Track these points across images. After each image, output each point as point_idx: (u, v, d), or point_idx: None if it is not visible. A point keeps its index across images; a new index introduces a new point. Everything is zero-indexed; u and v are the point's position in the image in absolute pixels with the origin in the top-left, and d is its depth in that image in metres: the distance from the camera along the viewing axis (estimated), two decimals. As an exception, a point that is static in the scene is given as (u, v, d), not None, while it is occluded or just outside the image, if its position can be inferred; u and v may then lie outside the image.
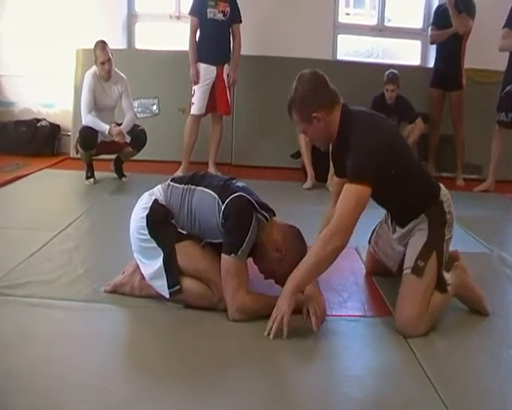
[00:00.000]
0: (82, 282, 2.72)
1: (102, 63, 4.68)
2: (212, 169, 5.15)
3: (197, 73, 5.17)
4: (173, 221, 2.49)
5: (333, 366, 2.14)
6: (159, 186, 2.60)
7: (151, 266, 2.48)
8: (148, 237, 2.46)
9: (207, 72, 5.18)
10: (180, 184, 2.56)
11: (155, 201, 2.52)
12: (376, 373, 2.09)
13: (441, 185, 2.54)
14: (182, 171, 5.00)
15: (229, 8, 5.16)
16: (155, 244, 2.45)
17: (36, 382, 1.89)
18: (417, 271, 2.38)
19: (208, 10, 5.10)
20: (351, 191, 2.24)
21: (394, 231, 2.64)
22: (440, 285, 2.42)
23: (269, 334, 2.22)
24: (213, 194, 2.45)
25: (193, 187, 2.52)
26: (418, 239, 2.46)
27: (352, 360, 2.15)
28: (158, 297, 2.51)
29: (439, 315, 2.43)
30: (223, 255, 2.37)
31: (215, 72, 5.21)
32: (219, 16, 5.14)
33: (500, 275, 3.17)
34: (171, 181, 2.60)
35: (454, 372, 2.11)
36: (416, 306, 2.33)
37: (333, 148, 2.58)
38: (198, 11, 5.13)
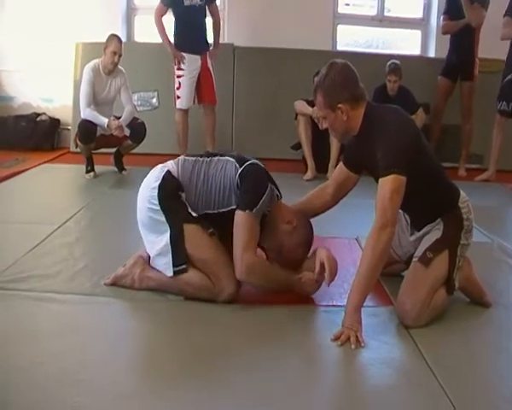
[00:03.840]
0: (83, 275, 2.72)
1: (114, 53, 4.68)
2: None
3: (179, 54, 5.10)
4: (183, 199, 2.49)
5: (334, 356, 2.14)
6: (171, 161, 2.62)
7: (157, 240, 2.48)
8: (158, 207, 2.46)
9: (192, 62, 5.14)
10: (195, 157, 2.60)
11: (168, 172, 2.53)
12: (378, 364, 2.08)
13: (461, 192, 2.52)
14: None
15: None
16: (164, 218, 2.45)
17: (38, 376, 1.89)
18: (424, 260, 2.38)
19: None
20: (387, 184, 2.24)
21: (412, 234, 2.63)
22: (449, 286, 2.40)
23: (336, 339, 2.20)
24: (231, 159, 2.51)
25: (208, 159, 2.56)
26: (432, 236, 2.46)
27: (354, 350, 2.14)
28: (158, 290, 2.52)
29: (441, 311, 2.42)
30: (237, 211, 2.39)
31: (200, 61, 5.17)
32: (196, 1, 5.05)
33: (501, 264, 3.16)
34: (184, 157, 2.64)
35: (455, 362, 2.11)
36: (417, 296, 2.32)
37: (349, 141, 2.56)
38: (171, 0, 5.05)
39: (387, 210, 2.23)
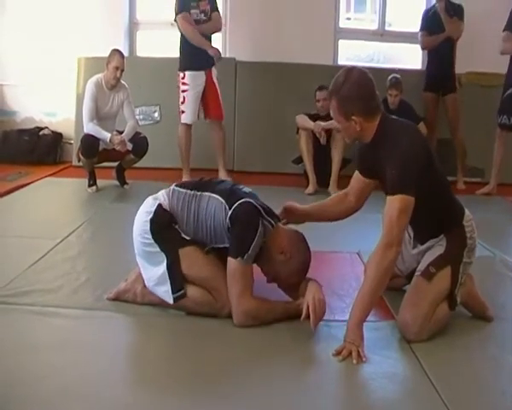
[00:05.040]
0: (84, 290, 2.72)
1: (116, 68, 4.71)
2: (222, 174, 5.15)
3: (217, 50, 5.13)
4: (177, 226, 2.49)
5: (336, 371, 2.14)
6: (163, 191, 2.60)
7: (154, 271, 2.48)
8: (152, 241, 2.46)
9: (196, 78, 5.15)
10: (185, 189, 2.56)
11: (159, 205, 2.51)
12: (380, 378, 2.08)
13: (466, 211, 2.52)
14: (185, 179, 4.96)
15: (208, 6, 5.14)
16: (158, 249, 2.45)
17: (38, 391, 1.89)
18: (427, 275, 2.38)
19: (192, 11, 5.07)
20: (395, 203, 2.24)
21: (415, 247, 2.63)
22: (450, 302, 2.40)
23: (338, 354, 2.19)
24: (220, 199, 2.45)
25: (199, 193, 2.52)
26: (435, 251, 2.46)
27: (356, 365, 2.14)
28: (160, 304, 2.52)
29: (443, 326, 2.42)
30: (229, 258, 2.37)
31: (204, 76, 5.18)
32: (201, 16, 5.11)
33: (503, 278, 3.16)
34: (175, 186, 2.60)
35: (457, 377, 2.10)
36: (419, 311, 2.32)
37: (362, 148, 2.55)
38: (185, 10, 5.08)
39: (394, 229, 2.23)
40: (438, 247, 2.46)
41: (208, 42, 5.14)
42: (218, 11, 5.26)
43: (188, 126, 5.24)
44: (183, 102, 5.19)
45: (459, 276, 2.41)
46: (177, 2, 5.12)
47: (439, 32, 5.51)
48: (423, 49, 5.89)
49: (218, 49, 5.16)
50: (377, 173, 2.45)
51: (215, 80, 5.26)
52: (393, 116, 2.55)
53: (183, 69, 5.18)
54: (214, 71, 5.27)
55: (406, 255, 2.66)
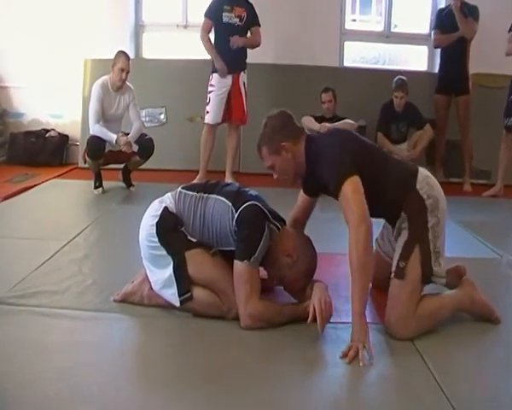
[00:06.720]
0: (91, 291, 2.73)
1: (122, 70, 4.72)
2: (229, 178, 5.15)
3: (224, 68, 5.12)
4: (183, 229, 2.50)
5: (342, 373, 2.13)
6: (169, 194, 2.61)
7: (161, 274, 2.49)
8: (158, 244, 2.47)
9: (222, 81, 5.17)
10: (192, 191, 2.57)
11: (165, 208, 2.52)
12: (386, 380, 2.08)
13: (420, 170, 2.52)
14: (199, 180, 4.95)
15: (245, 13, 5.15)
16: (165, 252, 2.46)
17: (45, 392, 1.90)
18: (399, 273, 2.39)
19: (224, 14, 5.10)
20: (345, 192, 2.30)
21: (393, 235, 2.62)
22: (425, 276, 2.38)
23: (345, 356, 2.19)
24: (227, 201, 2.47)
25: (205, 195, 2.53)
26: (401, 239, 2.46)
27: (362, 367, 2.13)
28: (167, 306, 2.52)
29: (436, 322, 2.42)
30: (235, 261, 2.38)
31: (230, 80, 5.19)
32: (235, 21, 5.13)
33: (509, 280, 3.16)
34: (182, 189, 2.61)
35: (465, 380, 2.10)
36: (400, 309, 2.35)
37: (304, 176, 2.65)
38: (214, 15, 5.12)
39: (353, 208, 2.27)
40: (403, 232, 2.45)
41: (217, 54, 5.12)
42: (258, 25, 5.28)
43: (210, 127, 5.26)
44: (208, 103, 5.22)
45: (430, 244, 2.39)
46: (209, 5, 5.19)
47: (452, 31, 5.48)
48: (435, 47, 5.85)
49: (223, 66, 5.11)
50: (322, 190, 2.54)
51: (241, 85, 5.26)
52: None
53: (211, 71, 5.22)
54: (243, 76, 5.27)
55: (394, 243, 2.65)
